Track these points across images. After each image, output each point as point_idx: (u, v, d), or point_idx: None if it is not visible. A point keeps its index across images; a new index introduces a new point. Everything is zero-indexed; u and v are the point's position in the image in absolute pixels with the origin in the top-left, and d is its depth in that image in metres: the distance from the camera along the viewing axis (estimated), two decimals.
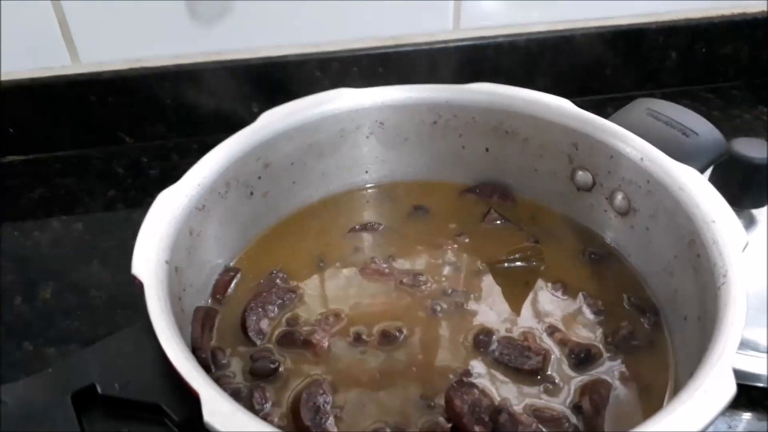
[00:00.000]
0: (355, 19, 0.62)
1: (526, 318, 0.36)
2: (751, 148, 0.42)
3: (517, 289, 0.38)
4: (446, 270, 0.39)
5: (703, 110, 0.67)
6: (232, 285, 0.38)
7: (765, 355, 0.37)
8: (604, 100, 0.70)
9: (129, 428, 0.26)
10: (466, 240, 0.41)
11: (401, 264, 0.39)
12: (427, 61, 0.64)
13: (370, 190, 0.44)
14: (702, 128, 0.40)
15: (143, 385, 0.27)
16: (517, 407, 0.31)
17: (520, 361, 0.33)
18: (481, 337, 0.35)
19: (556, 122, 0.40)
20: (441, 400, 0.32)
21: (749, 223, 0.45)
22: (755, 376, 0.37)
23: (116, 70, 0.62)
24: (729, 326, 0.27)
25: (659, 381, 0.33)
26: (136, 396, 0.26)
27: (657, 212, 0.37)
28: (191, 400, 0.25)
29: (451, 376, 0.33)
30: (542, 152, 0.41)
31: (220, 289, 0.37)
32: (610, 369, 0.34)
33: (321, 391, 0.32)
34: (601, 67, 0.68)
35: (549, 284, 0.38)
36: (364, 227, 0.42)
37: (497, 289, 0.38)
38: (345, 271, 0.39)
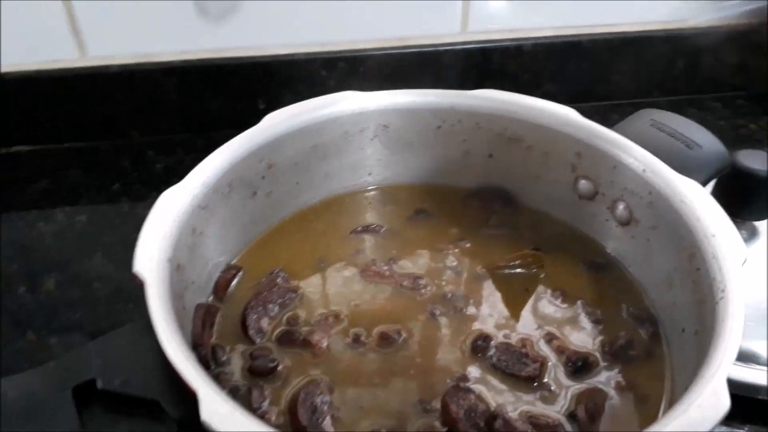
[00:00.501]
0: (362, 19, 0.62)
1: (525, 325, 0.37)
2: (754, 160, 0.42)
3: (516, 296, 0.38)
4: (447, 274, 0.39)
5: (708, 119, 0.68)
6: (233, 283, 0.38)
7: (765, 367, 0.37)
8: (609, 106, 0.70)
9: (128, 424, 0.26)
10: (467, 245, 0.41)
11: (402, 267, 0.40)
12: (434, 63, 0.64)
13: (372, 192, 0.45)
14: (705, 141, 0.40)
15: (143, 382, 0.27)
16: (513, 413, 0.32)
17: (518, 368, 0.34)
18: (479, 342, 0.35)
19: (561, 131, 0.40)
20: (438, 404, 0.32)
21: (751, 235, 0.45)
22: (755, 389, 0.37)
23: (123, 64, 0.62)
24: (725, 341, 0.28)
25: (655, 392, 0.33)
26: (135, 392, 0.27)
27: (658, 224, 0.37)
28: (190, 398, 0.25)
29: (448, 381, 0.33)
30: (546, 160, 0.41)
31: (221, 287, 0.37)
32: (606, 378, 0.34)
33: (319, 391, 0.32)
34: (608, 74, 0.68)
35: (549, 291, 0.38)
36: (366, 229, 0.42)
37: (497, 295, 0.38)
38: (346, 272, 0.39)
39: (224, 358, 0.34)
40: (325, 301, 0.38)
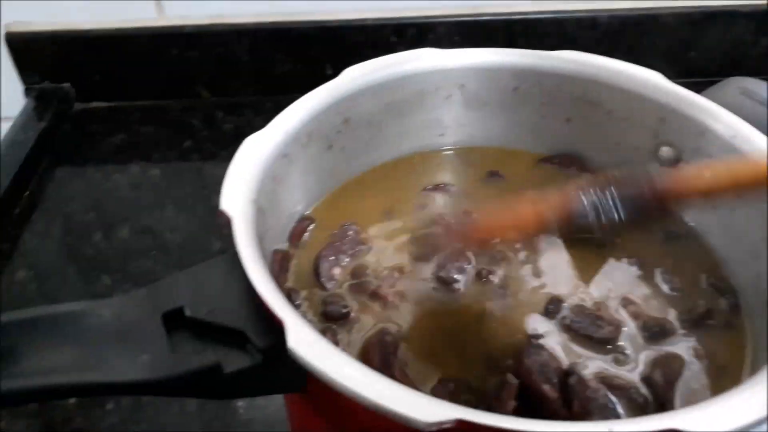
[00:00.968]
0: None
1: (599, 289, 0.36)
2: None
3: (591, 261, 0.37)
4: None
5: None
6: (307, 233, 0.39)
7: None
8: (686, 83, 0.68)
9: (214, 352, 0.27)
10: None
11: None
12: (505, 32, 0.63)
13: (444, 153, 0.44)
14: None
15: (229, 312, 0.28)
16: (586, 372, 0.31)
17: (592, 330, 0.33)
18: (551, 305, 0.35)
19: (644, 95, 0.39)
20: (509, 361, 0.32)
21: None
22: None
23: (198, 25, 0.64)
24: None
25: (735, 362, 0.32)
26: (221, 321, 0.27)
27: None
28: (275, 328, 0.26)
29: (519, 337, 0.33)
30: (626, 125, 0.40)
31: (296, 235, 0.38)
32: (683, 346, 0.33)
33: (389, 340, 0.33)
34: (686, 50, 0.66)
35: (624, 258, 0.37)
36: (437, 188, 0.42)
37: (570, 260, 0.38)
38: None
39: (297, 302, 0.35)
40: (392, 253, 0.38)
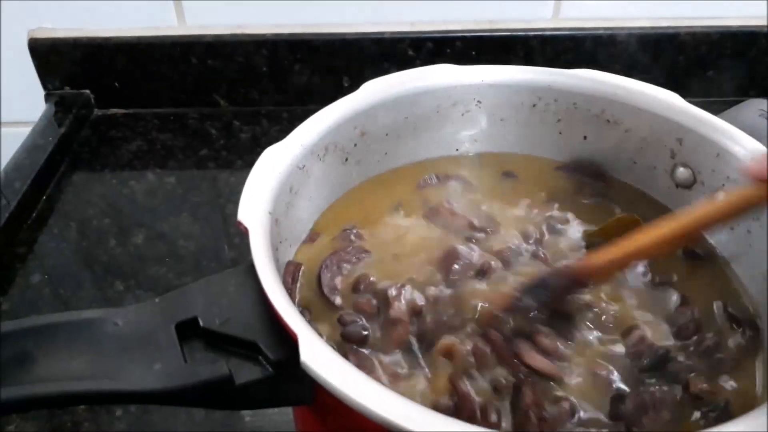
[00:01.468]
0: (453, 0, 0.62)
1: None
2: None
3: None
4: (529, 229, 0.38)
5: None
6: (315, 242, 0.39)
7: None
8: (702, 103, 0.67)
9: (226, 363, 0.27)
10: (555, 205, 0.39)
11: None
12: (522, 48, 0.63)
13: (459, 157, 0.44)
14: None
15: (242, 324, 0.28)
16: None
17: None
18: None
19: (662, 115, 0.39)
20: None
21: None
22: None
23: (217, 35, 0.65)
24: None
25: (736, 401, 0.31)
26: (235, 332, 0.28)
27: (761, 215, 0.35)
28: (288, 341, 0.26)
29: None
30: (644, 145, 0.40)
31: (307, 246, 0.38)
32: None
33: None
34: (704, 69, 0.65)
35: (641, 268, 0.36)
36: (448, 176, 0.41)
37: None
38: (419, 218, 0.39)
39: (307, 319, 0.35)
40: (397, 260, 0.37)
